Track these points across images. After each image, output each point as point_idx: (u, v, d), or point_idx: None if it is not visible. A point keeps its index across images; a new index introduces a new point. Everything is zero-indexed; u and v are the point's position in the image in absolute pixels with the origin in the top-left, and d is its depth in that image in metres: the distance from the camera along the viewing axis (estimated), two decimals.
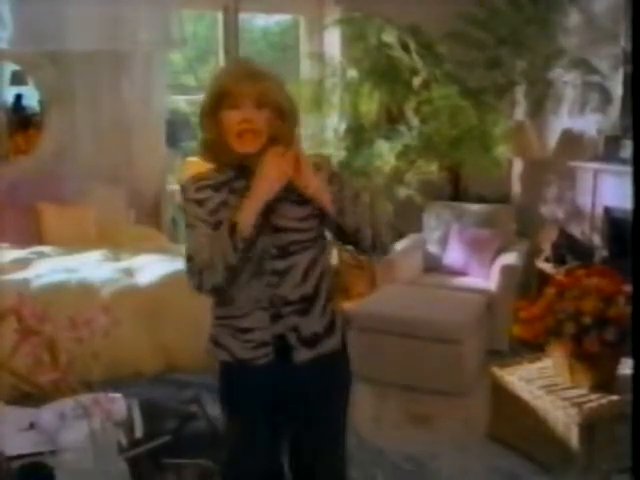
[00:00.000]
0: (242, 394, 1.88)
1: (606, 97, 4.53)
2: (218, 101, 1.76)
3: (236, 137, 1.75)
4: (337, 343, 1.90)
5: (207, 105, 1.80)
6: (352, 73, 5.01)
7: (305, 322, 1.84)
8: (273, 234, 1.80)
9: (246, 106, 1.74)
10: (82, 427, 1.53)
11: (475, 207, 4.90)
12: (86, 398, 1.52)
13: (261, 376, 1.85)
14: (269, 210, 1.77)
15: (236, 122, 1.74)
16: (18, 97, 4.66)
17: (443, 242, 4.77)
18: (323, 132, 5.23)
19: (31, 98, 4.67)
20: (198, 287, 1.81)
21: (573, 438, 2.87)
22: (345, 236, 1.86)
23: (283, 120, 1.80)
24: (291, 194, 1.80)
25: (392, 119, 4.98)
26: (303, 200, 1.79)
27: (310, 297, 1.84)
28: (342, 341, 1.93)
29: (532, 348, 3.29)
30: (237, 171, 1.83)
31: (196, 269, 1.79)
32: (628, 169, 3.64)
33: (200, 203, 1.83)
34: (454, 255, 4.67)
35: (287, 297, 1.82)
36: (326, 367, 1.88)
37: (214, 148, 1.82)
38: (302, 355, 1.84)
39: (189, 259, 1.83)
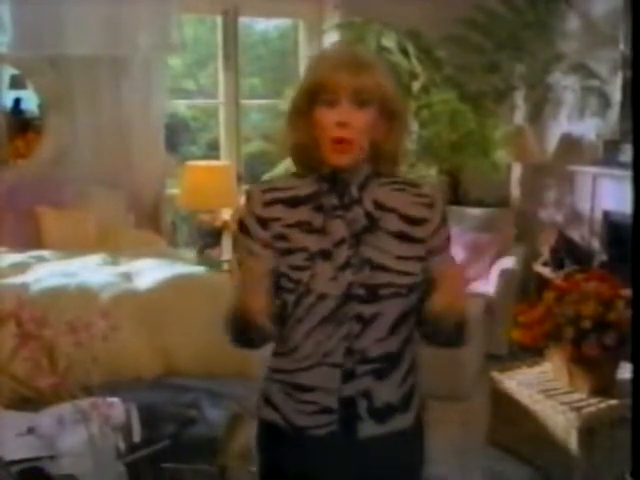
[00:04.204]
0: (289, 468, 1.53)
1: (605, 101, 4.53)
2: (311, 95, 1.41)
3: (330, 143, 1.40)
4: (410, 419, 1.55)
5: (298, 99, 1.45)
6: None
7: (380, 388, 1.48)
8: (362, 269, 1.43)
9: (343, 103, 1.39)
10: (81, 432, 1.53)
11: (474, 211, 4.91)
12: (84, 403, 1.52)
13: (316, 450, 1.50)
14: (361, 241, 1.44)
15: (331, 124, 1.40)
16: (17, 101, 4.66)
17: None
18: None
19: (30, 102, 4.67)
20: (235, 344, 1.51)
21: (572, 442, 2.87)
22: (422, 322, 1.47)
23: (389, 123, 1.45)
24: (392, 223, 1.46)
25: None
26: (407, 236, 1.46)
27: (393, 358, 1.49)
28: (417, 418, 1.57)
29: (531, 352, 3.29)
30: (328, 182, 1.46)
31: (227, 323, 1.48)
32: (627, 173, 3.63)
33: (264, 223, 1.46)
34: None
35: (367, 352, 1.45)
36: (395, 448, 1.52)
37: (304, 154, 1.47)
38: (369, 430, 1.49)
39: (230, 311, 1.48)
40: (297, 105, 1.46)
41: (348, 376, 1.45)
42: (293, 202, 1.47)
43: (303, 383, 1.48)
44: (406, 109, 1.54)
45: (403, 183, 1.51)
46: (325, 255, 1.43)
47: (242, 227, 1.50)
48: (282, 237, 1.45)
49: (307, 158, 1.47)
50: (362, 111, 1.40)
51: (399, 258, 1.44)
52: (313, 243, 1.43)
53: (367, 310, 1.43)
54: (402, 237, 1.45)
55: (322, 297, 1.42)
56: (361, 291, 1.42)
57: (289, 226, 1.45)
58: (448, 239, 1.53)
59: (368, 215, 1.45)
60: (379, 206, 1.46)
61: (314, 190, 1.46)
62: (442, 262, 1.48)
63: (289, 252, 1.44)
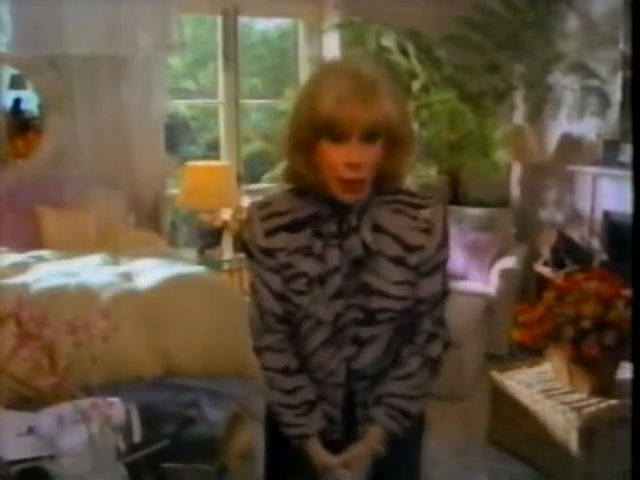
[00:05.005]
0: (292, 469, 1.60)
1: (605, 101, 4.53)
2: (315, 128, 1.33)
3: (337, 182, 1.34)
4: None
5: (299, 131, 1.36)
6: None
7: (374, 396, 1.54)
8: (360, 294, 1.44)
9: (352, 141, 1.31)
10: (81, 432, 1.53)
11: (474, 211, 4.91)
12: (84, 402, 1.52)
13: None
14: (360, 266, 1.43)
15: (338, 164, 1.32)
16: (17, 101, 4.65)
17: None
18: None
19: (30, 102, 4.66)
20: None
21: (572, 442, 2.87)
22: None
23: (396, 150, 1.38)
24: (390, 247, 1.44)
25: None
26: (403, 261, 1.44)
27: (386, 369, 1.53)
28: (417, 420, 1.59)
29: (531, 352, 3.29)
30: (328, 206, 1.41)
31: (254, 345, 1.56)
32: (627, 173, 3.64)
33: (269, 253, 1.46)
34: (453, 259, 4.66)
35: (364, 371, 1.51)
36: (394, 449, 1.54)
37: (302, 180, 1.42)
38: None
39: (250, 324, 1.57)
40: (297, 136, 1.37)
41: (349, 395, 1.53)
42: (294, 226, 1.44)
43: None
44: (412, 132, 1.46)
45: (403, 203, 1.47)
46: (322, 281, 1.44)
47: (249, 254, 1.50)
48: (288, 265, 1.45)
49: (306, 184, 1.42)
50: (372, 147, 1.33)
51: (396, 283, 1.44)
52: (312, 268, 1.44)
53: (364, 333, 1.47)
54: (398, 262, 1.44)
55: (319, 322, 1.46)
56: (359, 315, 1.45)
57: (292, 253, 1.45)
58: (444, 261, 1.51)
59: (364, 245, 1.43)
60: (378, 229, 1.44)
61: (313, 212, 1.43)
62: (428, 286, 1.49)
63: (292, 278, 1.46)
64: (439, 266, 1.49)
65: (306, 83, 1.42)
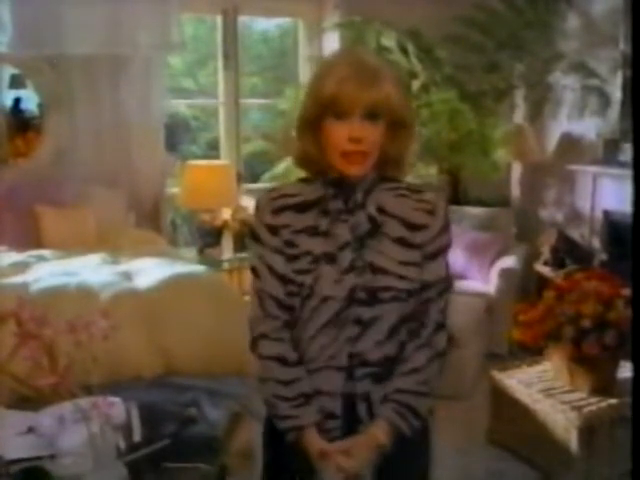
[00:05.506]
0: (292, 467, 1.55)
1: (605, 100, 4.53)
2: (320, 107, 1.41)
3: (340, 156, 1.42)
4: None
5: (306, 110, 1.46)
6: None
7: (379, 390, 1.49)
8: (363, 273, 1.45)
9: (355, 117, 1.39)
10: (81, 431, 1.53)
11: (474, 210, 4.90)
12: (85, 402, 1.52)
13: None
14: (364, 246, 1.46)
15: (342, 138, 1.40)
16: (17, 100, 4.66)
17: None
18: None
19: (30, 101, 4.67)
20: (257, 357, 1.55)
21: (573, 441, 2.87)
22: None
23: (398, 133, 1.45)
24: (394, 229, 1.48)
25: None
26: (407, 241, 1.47)
27: (391, 360, 1.49)
28: (422, 422, 1.53)
29: (531, 351, 3.28)
30: (334, 187, 1.47)
31: (251, 338, 1.54)
32: (627, 172, 3.64)
33: (274, 230, 1.49)
34: (453, 258, 4.65)
35: (366, 355, 1.47)
36: (396, 450, 1.49)
37: (311, 162, 1.49)
38: None
39: (250, 320, 1.55)
40: (305, 116, 1.46)
41: (349, 379, 1.48)
42: (301, 207, 1.49)
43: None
44: (414, 116, 1.52)
45: (407, 189, 1.52)
46: (329, 258, 1.46)
47: (253, 235, 1.54)
48: (291, 243, 1.48)
49: (314, 165, 1.49)
50: (373, 125, 1.41)
51: (400, 263, 1.46)
52: (317, 246, 1.46)
53: (367, 313, 1.45)
54: (402, 242, 1.47)
55: (325, 300, 1.46)
56: (362, 294, 1.44)
57: (297, 232, 1.48)
58: (447, 246, 1.52)
59: (371, 219, 1.47)
60: (382, 211, 1.48)
61: (321, 194, 1.48)
62: (434, 269, 1.50)
63: (295, 257, 1.47)
64: (442, 250, 1.51)
65: (315, 71, 1.51)
